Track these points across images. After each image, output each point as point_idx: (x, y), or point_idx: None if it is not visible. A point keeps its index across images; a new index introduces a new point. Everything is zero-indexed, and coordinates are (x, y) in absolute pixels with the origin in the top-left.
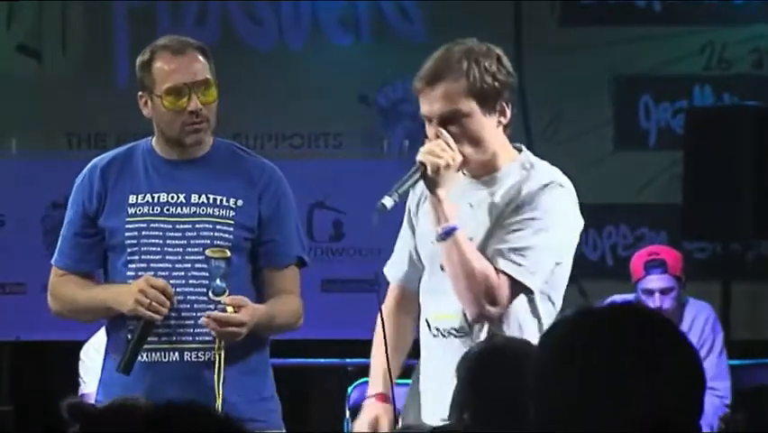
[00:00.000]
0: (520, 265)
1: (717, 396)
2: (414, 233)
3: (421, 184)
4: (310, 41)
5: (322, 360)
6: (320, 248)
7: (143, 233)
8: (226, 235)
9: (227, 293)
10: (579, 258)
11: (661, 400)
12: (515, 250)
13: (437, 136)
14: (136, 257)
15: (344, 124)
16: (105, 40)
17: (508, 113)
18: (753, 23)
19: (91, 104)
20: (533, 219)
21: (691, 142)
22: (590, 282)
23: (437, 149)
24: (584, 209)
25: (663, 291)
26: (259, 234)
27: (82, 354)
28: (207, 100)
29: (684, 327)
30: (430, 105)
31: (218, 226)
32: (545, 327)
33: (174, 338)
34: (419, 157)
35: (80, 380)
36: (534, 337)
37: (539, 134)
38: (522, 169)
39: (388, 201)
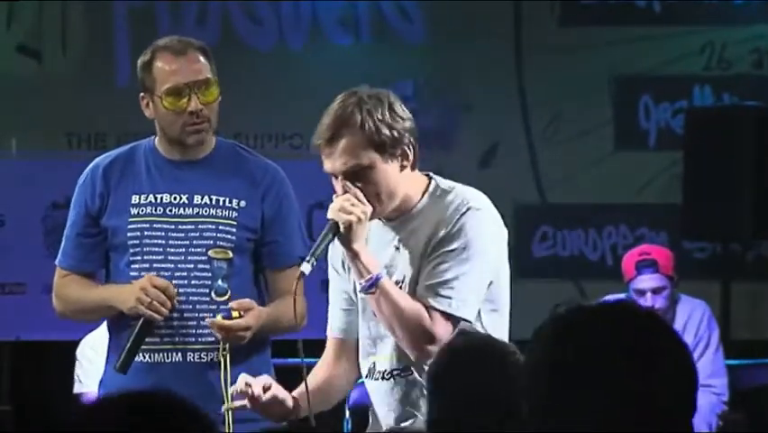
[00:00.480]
0: (450, 298)
1: (714, 393)
2: (344, 280)
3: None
4: (310, 41)
5: None
6: None
7: (146, 233)
8: (229, 236)
9: (229, 294)
10: (579, 258)
11: (655, 398)
12: (441, 284)
13: (345, 191)
14: (139, 257)
15: None
16: (105, 40)
17: (410, 155)
18: (753, 23)
19: (91, 104)
20: (453, 250)
21: (691, 143)
22: (591, 282)
23: (347, 204)
24: (584, 209)
25: (655, 291)
26: (262, 234)
27: (78, 353)
28: (208, 100)
29: (678, 325)
30: (332, 162)
31: (221, 227)
32: (494, 335)
33: (177, 339)
34: (330, 215)
35: (76, 379)
36: None
37: (539, 134)
38: (436, 198)
39: (306, 267)
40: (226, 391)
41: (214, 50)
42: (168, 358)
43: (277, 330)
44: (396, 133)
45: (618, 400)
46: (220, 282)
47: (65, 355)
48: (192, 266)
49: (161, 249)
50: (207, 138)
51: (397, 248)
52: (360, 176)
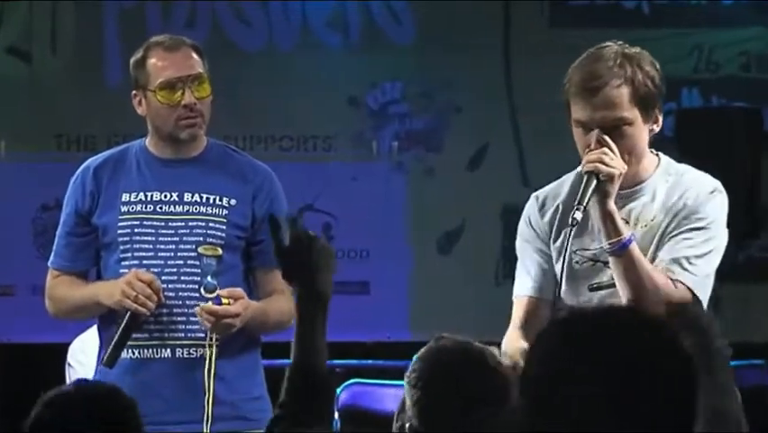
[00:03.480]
0: (694, 275)
1: None
2: (546, 246)
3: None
4: (300, 42)
5: None
6: None
7: (136, 230)
8: (219, 234)
9: (218, 291)
10: None
11: (656, 408)
12: (687, 259)
13: (599, 144)
14: (129, 254)
15: (334, 127)
16: (95, 42)
17: (660, 120)
18: (741, 26)
19: (81, 106)
20: (702, 229)
21: (681, 144)
22: None
23: (606, 158)
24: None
25: None
26: (252, 234)
27: (69, 357)
28: (201, 95)
29: None
30: (591, 112)
31: (211, 224)
32: None
33: (166, 335)
34: (587, 167)
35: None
36: None
37: (528, 136)
38: (667, 175)
39: (578, 215)
40: (209, 382)
41: (204, 51)
42: (157, 354)
43: (265, 326)
44: (657, 92)
45: (622, 407)
46: (209, 279)
47: (54, 357)
48: (182, 262)
49: (151, 246)
50: (200, 133)
51: (626, 221)
52: (617, 131)
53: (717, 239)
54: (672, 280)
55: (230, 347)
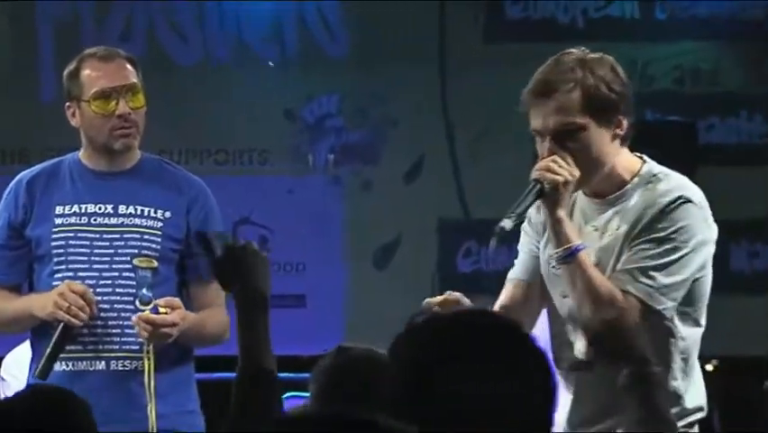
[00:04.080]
0: (649, 287)
1: None
2: (536, 245)
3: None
4: (235, 56)
5: None
6: None
7: (71, 242)
8: (154, 246)
9: (154, 303)
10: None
11: (509, 406)
12: (642, 270)
13: (551, 152)
14: (63, 266)
15: (270, 140)
16: (29, 55)
17: (625, 125)
18: (675, 40)
19: (15, 119)
20: (658, 238)
21: None
22: None
23: (554, 165)
24: None
25: None
26: (186, 246)
27: (2, 372)
28: (136, 105)
29: None
30: (543, 119)
31: (146, 237)
32: (690, 347)
33: (100, 347)
34: (534, 175)
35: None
36: (677, 363)
37: (463, 150)
38: (646, 183)
39: (507, 223)
40: (150, 392)
41: (139, 64)
42: (91, 366)
43: (200, 338)
44: (615, 96)
45: (473, 406)
46: (144, 291)
47: None
48: (117, 274)
49: (86, 258)
50: (134, 143)
51: (596, 229)
52: (570, 137)
53: (681, 249)
54: (622, 291)
55: (163, 361)
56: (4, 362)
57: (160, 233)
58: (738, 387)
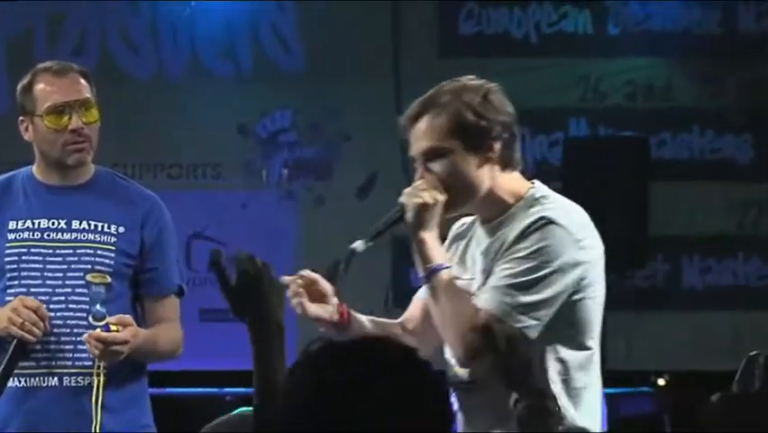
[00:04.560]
0: (507, 305)
1: None
2: None
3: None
4: (189, 71)
5: (200, 390)
6: (198, 278)
7: (23, 257)
8: (107, 261)
9: (107, 319)
10: None
11: (412, 426)
12: (501, 289)
13: (421, 176)
14: (16, 282)
15: (223, 155)
16: None
17: (497, 149)
18: (627, 56)
19: None
20: (521, 258)
21: (568, 173)
22: None
23: (416, 190)
24: None
25: None
26: (140, 261)
27: None
28: (89, 120)
29: None
30: (414, 142)
31: (99, 252)
32: (571, 369)
33: (53, 363)
34: (401, 198)
35: None
36: (556, 385)
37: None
38: (529, 207)
39: (359, 245)
40: (96, 410)
41: (92, 78)
42: (44, 382)
43: (153, 354)
44: (483, 123)
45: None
46: (98, 307)
47: None
48: (70, 290)
49: (39, 273)
50: (87, 158)
51: (482, 253)
52: (437, 161)
53: (542, 269)
54: (481, 309)
55: (116, 376)
56: None
57: (113, 248)
58: (689, 401)
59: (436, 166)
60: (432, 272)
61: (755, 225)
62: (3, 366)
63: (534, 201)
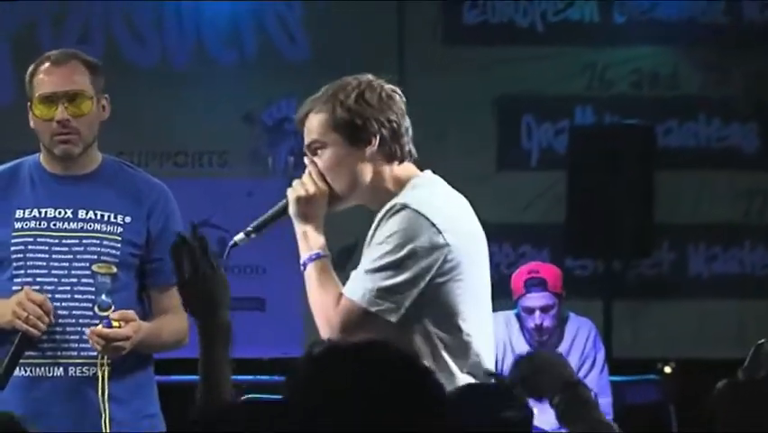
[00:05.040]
0: (366, 289)
1: None
2: None
3: None
4: (194, 59)
5: None
6: None
7: (30, 247)
8: (113, 251)
9: (113, 309)
10: None
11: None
12: (360, 275)
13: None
14: (22, 271)
15: (229, 143)
16: None
17: (375, 142)
18: (633, 44)
19: None
20: (377, 243)
21: (574, 162)
22: None
23: (296, 183)
24: None
25: (544, 309)
26: (146, 251)
27: None
28: (77, 112)
29: (565, 343)
30: (304, 136)
31: (105, 242)
32: (443, 351)
33: (59, 353)
34: (288, 191)
35: None
36: (440, 364)
37: (422, 154)
38: (394, 198)
39: (239, 237)
40: (104, 404)
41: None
42: (49, 372)
43: (158, 346)
44: (357, 120)
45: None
46: (104, 297)
47: None
48: (75, 280)
49: (45, 263)
50: (75, 150)
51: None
52: (319, 154)
53: (396, 253)
54: (341, 296)
55: (122, 366)
56: None
57: (119, 238)
58: (695, 389)
59: (318, 159)
60: (306, 262)
61: (761, 214)
62: (7, 359)
63: (408, 189)
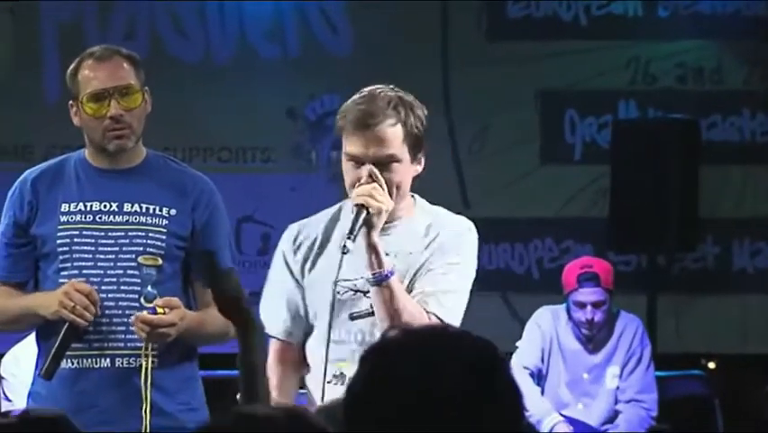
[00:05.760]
0: (447, 309)
1: (644, 408)
2: (298, 283)
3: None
4: (237, 54)
5: None
6: (248, 261)
7: (75, 240)
8: (159, 243)
9: (154, 303)
10: (505, 271)
11: (486, 417)
12: (444, 293)
13: (371, 178)
14: (68, 264)
15: (272, 138)
16: (33, 54)
17: (423, 162)
18: (677, 38)
19: (19, 118)
20: (457, 264)
21: (617, 156)
22: (517, 295)
23: (376, 193)
24: (511, 223)
25: (596, 304)
26: (191, 244)
27: (1, 371)
28: (129, 106)
29: (613, 339)
30: (365, 147)
31: (150, 234)
32: None
33: (105, 344)
34: (358, 200)
35: (5, 397)
36: None
37: (465, 148)
38: (424, 213)
39: (349, 244)
40: (146, 392)
41: (143, 63)
42: (96, 364)
43: (203, 337)
44: (421, 139)
45: (447, 426)
46: (149, 288)
47: None
48: (121, 272)
49: (91, 255)
50: (129, 145)
51: (387, 254)
52: (389, 168)
53: (468, 278)
54: (426, 312)
55: (168, 358)
56: (3, 360)
57: (164, 230)
58: (739, 385)
59: (388, 172)
60: (386, 276)
61: None
62: (54, 350)
63: (425, 207)
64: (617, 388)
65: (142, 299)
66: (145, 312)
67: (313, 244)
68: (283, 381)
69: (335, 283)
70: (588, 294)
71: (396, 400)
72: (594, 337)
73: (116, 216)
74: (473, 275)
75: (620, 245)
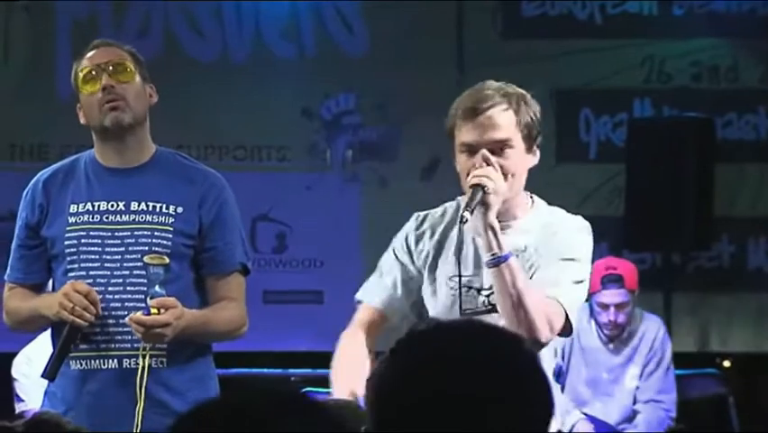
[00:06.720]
0: (570, 298)
1: (663, 409)
2: (410, 272)
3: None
4: (253, 53)
5: (265, 370)
6: (263, 259)
7: (83, 240)
8: (165, 242)
9: (149, 300)
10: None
11: (515, 416)
12: (567, 285)
13: (486, 162)
14: (76, 265)
15: (288, 137)
16: (47, 52)
17: (538, 155)
18: (692, 37)
19: (34, 117)
20: (573, 260)
21: (632, 155)
22: None
23: (491, 173)
24: None
25: (619, 306)
26: (201, 241)
27: (14, 371)
28: (120, 78)
29: (635, 340)
30: (480, 132)
31: (156, 233)
32: (549, 355)
33: (112, 345)
34: (474, 180)
35: (18, 398)
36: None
37: None
38: (540, 214)
39: (467, 214)
40: (140, 391)
41: (157, 61)
42: (103, 365)
43: (209, 334)
44: (536, 129)
45: (476, 420)
46: (157, 288)
47: (3, 369)
48: (128, 272)
49: (97, 256)
50: (125, 119)
51: (526, 246)
52: (502, 153)
53: (585, 275)
54: (548, 297)
55: (179, 356)
56: (15, 361)
57: (171, 228)
58: (754, 383)
59: (503, 158)
60: (505, 257)
61: None
62: (56, 350)
63: (542, 208)
64: (637, 388)
65: (149, 299)
66: (139, 313)
67: (432, 236)
68: (360, 353)
69: (450, 279)
70: (611, 296)
71: (419, 394)
72: (617, 338)
73: (123, 216)
74: (588, 276)
75: (635, 244)
